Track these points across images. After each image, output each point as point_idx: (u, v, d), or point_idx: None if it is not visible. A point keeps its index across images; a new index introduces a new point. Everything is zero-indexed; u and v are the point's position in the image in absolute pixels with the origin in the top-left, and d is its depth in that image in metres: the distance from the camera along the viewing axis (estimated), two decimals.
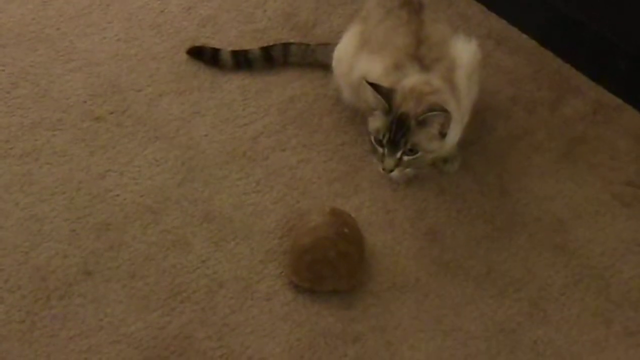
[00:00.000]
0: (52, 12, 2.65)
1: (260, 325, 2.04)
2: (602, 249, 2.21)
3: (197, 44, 2.57)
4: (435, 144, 2.12)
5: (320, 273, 2.06)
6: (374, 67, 2.18)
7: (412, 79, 2.12)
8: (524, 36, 2.67)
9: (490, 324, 2.07)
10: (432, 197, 2.29)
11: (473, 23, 2.69)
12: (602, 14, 2.48)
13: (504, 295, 2.12)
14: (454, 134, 2.17)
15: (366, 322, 2.06)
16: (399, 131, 2.08)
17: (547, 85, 2.55)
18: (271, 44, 2.55)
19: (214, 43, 2.58)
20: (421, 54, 2.18)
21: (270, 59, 2.53)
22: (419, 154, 2.12)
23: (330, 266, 2.05)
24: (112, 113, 2.41)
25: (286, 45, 2.54)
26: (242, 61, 2.53)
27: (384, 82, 2.11)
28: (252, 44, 2.56)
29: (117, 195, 2.25)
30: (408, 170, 2.17)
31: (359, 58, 2.28)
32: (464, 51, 2.26)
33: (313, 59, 2.53)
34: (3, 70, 2.48)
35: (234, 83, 2.50)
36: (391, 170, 2.13)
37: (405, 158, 2.12)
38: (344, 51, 2.37)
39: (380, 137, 2.11)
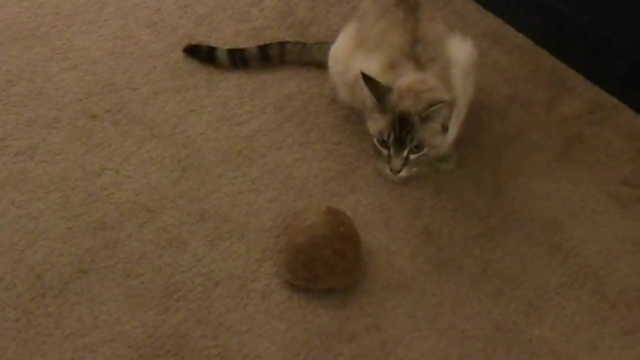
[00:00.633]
0: (48, 10, 2.64)
1: (256, 324, 2.04)
2: (597, 248, 2.21)
3: (194, 42, 2.57)
4: (439, 138, 2.12)
5: (315, 272, 2.06)
6: (370, 66, 2.18)
7: (408, 78, 2.12)
8: (520, 35, 2.67)
9: (486, 323, 2.07)
10: (428, 196, 2.29)
11: (469, 22, 2.69)
12: (598, 13, 2.49)
13: (500, 294, 2.12)
14: (451, 132, 2.17)
15: (362, 321, 2.06)
16: (403, 129, 2.08)
17: (543, 85, 2.55)
18: (267, 42, 2.55)
19: (210, 41, 2.58)
20: (417, 53, 2.18)
21: (266, 57, 2.53)
22: (424, 151, 2.12)
23: (326, 265, 2.05)
24: (108, 111, 2.41)
25: (282, 44, 2.54)
26: (238, 60, 2.52)
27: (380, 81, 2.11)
28: (248, 43, 2.56)
29: (113, 193, 2.25)
30: (415, 169, 2.16)
31: (355, 57, 2.28)
32: (460, 50, 2.26)
33: (309, 57, 2.53)
34: None
35: (230, 82, 2.50)
36: (399, 171, 2.13)
37: (412, 156, 2.12)
38: (340, 50, 2.37)
39: (385, 137, 2.11)
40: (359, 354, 2.01)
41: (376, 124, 2.13)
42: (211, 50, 2.54)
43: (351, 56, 2.30)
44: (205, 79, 2.50)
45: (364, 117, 2.23)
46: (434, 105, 2.05)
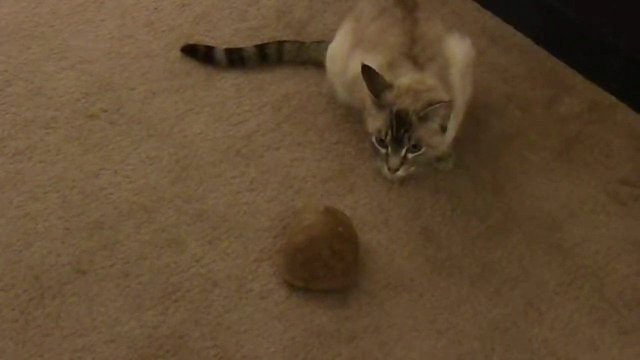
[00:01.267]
0: (46, 10, 2.64)
1: (255, 324, 2.04)
2: (596, 248, 2.21)
3: (191, 41, 2.57)
4: (438, 138, 2.12)
5: (314, 272, 2.06)
6: None
7: (407, 78, 2.11)
8: (519, 34, 2.67)
9: (484, 323, 2.07)
10: (427, 195, 2.29)
11: (467, 21, 2.69)
12: (597, 12, 2.48)
13: (499, 294, 2.12)
14: (449, 131, 2.17)
15: (361, 321, 2.06)
16: (401, 128, 2.07)
17: (541, 84, 2.55)
18: (265, 42, 2.54)
19: (208, 41, 2.58)
20: (415, 52, 2.18)
21: (264, 57, 2.53)
22: (422, 150, 2.11)
23: (325, 265, 2.05)
24: (105, 111, 2.41)
25: (280, 43, 2.53)
26: (236, 59, 2.52)
27: None
28: (246, 42, 2.56)
29: (111, 193, 2.24)
30: (413, 168, 2.16)
31: (352, 56, 2.27)
32: (458, 49, 2.26)
33: (307, 57, 2.53)
34: None
35: (228, 81, 2.50)
36: (397, 170, 2.13)
37: (410, 155, 2.12)
38: (337, 49, 2.37)
39: (383, 136, 2.11)
40: (357, 354, 2.01)
41: (374, 122, 2.12)
42: (209, 49, 2.53)
43: (349, 55, 2.29)
44: (203, 79, 2.50)
45: (362, 116, 2.23)
46: (432, 104, 2.04)
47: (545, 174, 2.35)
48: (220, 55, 2.52)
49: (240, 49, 2.53)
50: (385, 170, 2.16)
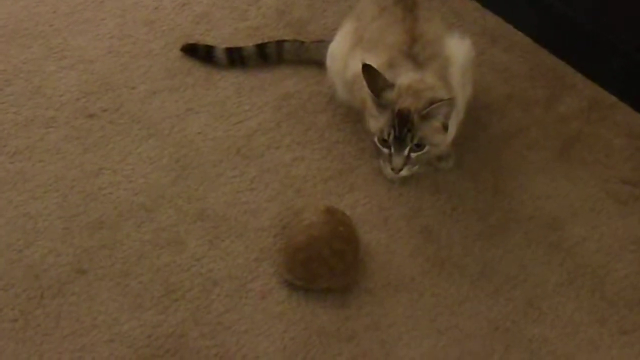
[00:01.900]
0: (46, 9, 2.64)
1: (255, 324, 2.04)
2: (597, 247, 2.21)
3: (191, 41, 2.56)
4: (440, 136, 2.12)
5: (314, 271, 2.05)
6: None
7: (408, 77, 2.11)
8: (519, 34, 2.67)
9: (485, 323, 2.07)
10: (427, 195, 2.29)
11: (467, 20, 2.69)
12: (597, 11, 2.48)
13: (499, 294, 2.12)
14: (450, 130, 2.17)
15: (361, 321, 2.05)
16: (403, 127, 2.07)
17: (541, 83, 2.54)
18: (265, 41, 2.54)
19: (208, 40, 2.58)
20: (415, 51, 2.17)
21: (264, 56, 2.52)
22: (425, 149, 2.11)
23: (325, 264, 2.05)
24: (105, 110, 2.41)
25: (280, 43, 2.53)
26: (236, 58, 2.52)
27: None
28: (246, 41, 2.56)
29: (111, 193, 2.24)
30: (416, 168, 2.16)
31: (353, 55, 2.27)
32: (458, 49, 2.25)
33: (307, 56, 2.53)
34: None
35: (228, 80, 2.50)
36: (400, 169, 2.13)
37: (413, 155, 2.12)
38: (337, 49, 2.37)
39: (385, 136, 2.10)
40: (358, 353, 2.01)
41: (376, 122, 2.12)
42: (209, 49, 2.53)
43: (349, 55, 2.29)
44: (203, 78, 2.50)
45: (362, 115, 2.23)
46: (433, 103, 2.04)
47: (546, 173, 2.35)
48: (220, 54, 2.52)
49: (240, 49, 2.52)
50: (388, 170, 2.16)
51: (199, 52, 2.54)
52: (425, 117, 2.06)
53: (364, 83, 2.09)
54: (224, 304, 2.07)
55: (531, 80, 2.55)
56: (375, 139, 2.14)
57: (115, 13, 2.65)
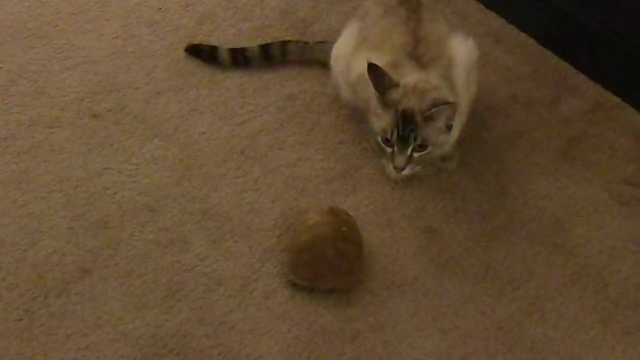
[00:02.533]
0: (50, 10, 2.64)
1: (258, 324, 2.04)
2: (600, 248, 2.21)
3: (195, 41, 2.57)
4: (443, 137, 2.12)
5: (318, 271, 2.06)
6: None
7: (412, 77, 2.11)
8: (523, 34, 2.67)
9: (488, 323, 2.07)
10: (431, 195, 2.29)
11: (471, 21, 2.69)
12: (600, 12, 2.48)
13: (502, 294, 2.12)
14: (453, 131, 2.17)
15: (364, 321, 2.06)
16: (407, 127, 2.08)
17: (545, 84, 2.55)
18: (269, 42, 2.54)
19: (212, 41, 2.58)
20: (419, 52, 2.18)
21: (268, 56, 2.53)
22: (428, 149, 2.12)
23: (329, 264, 2.05)
24: (109, 111, 2.41)
25: (284, 43, 2.53)
26: (240, 59, 2.52)
27: None
28: (250, 42, 2.56)
29: (115, 193, 2.24)
30: (418, 167, 2.16)
31: (357, 56, 2.27)
32: (462, 49, 2.26)
33: (311, 56, 2.53)
34: (1, 68, 2.48)
35: (232, 81, 2.50)
36: (403, 169, 2.13)
37: (416, 155, 2.12)
38: (342, 49, 2.37)
39: (388, 135, 2.11)
40: (361, 353, 2.01)
41: (380, 121, 2.13)
42: (213, 49, 2.53)
43: (353, 55, 2.30)
44: (207, 79, 2.50)
45: (366, 116, 2.23)
46: (436, 105, 2.05)
47: (549, 174, 2.35)
48: (224, 55, 2.52)
49: (244, 49, 2.53)
50: (391, 168, 2.16)
51: (203, 53, 2.54)
52: (429, 118, 2.07)
53: (368, 83, 2.09)
54: (227, 303, 2.07)
55: (535, 81, 2.55)
56: (379, 138, 2.14)
57: (119, 13, 2.65)
